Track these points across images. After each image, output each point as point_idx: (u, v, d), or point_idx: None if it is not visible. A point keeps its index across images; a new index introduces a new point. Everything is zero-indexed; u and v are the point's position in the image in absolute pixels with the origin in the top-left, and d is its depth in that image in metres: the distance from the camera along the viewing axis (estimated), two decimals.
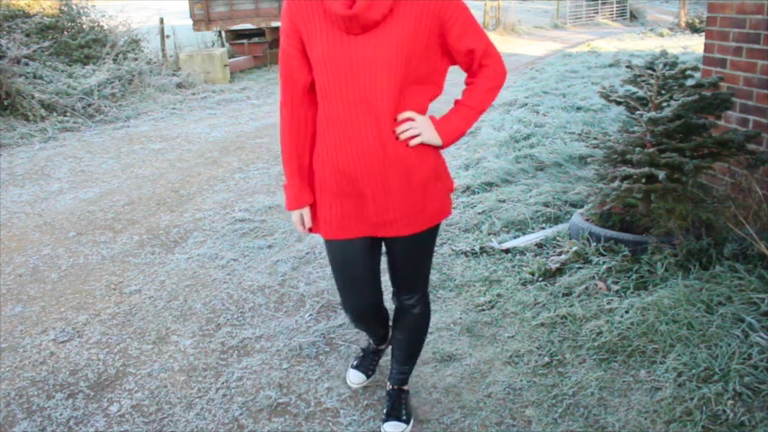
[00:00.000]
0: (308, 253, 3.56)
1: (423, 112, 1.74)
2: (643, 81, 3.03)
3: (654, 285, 2.72)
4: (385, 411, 2.13)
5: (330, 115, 1.69)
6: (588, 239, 3.12)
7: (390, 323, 2.20)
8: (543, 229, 3.64)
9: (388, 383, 2.19)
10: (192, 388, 2.39)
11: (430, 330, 2.61)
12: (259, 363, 2.53)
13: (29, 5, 8.52)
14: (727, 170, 3.21)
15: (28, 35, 8.06)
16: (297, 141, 1.79)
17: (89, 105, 7.25)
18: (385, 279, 2.07)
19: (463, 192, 4.40)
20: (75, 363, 2.57)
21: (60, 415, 2.25)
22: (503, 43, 14.89)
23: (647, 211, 3.08)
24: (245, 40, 11.39)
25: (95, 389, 2.40)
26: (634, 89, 3.12)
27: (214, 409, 2.26)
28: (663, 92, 3.00)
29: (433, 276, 3.16)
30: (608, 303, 2.68)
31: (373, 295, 1.98)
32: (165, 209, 4.35)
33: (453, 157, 5.27)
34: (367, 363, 2.38)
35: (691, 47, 12.80)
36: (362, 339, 2.61)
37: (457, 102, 1.79)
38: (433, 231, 1.88)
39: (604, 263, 2.94)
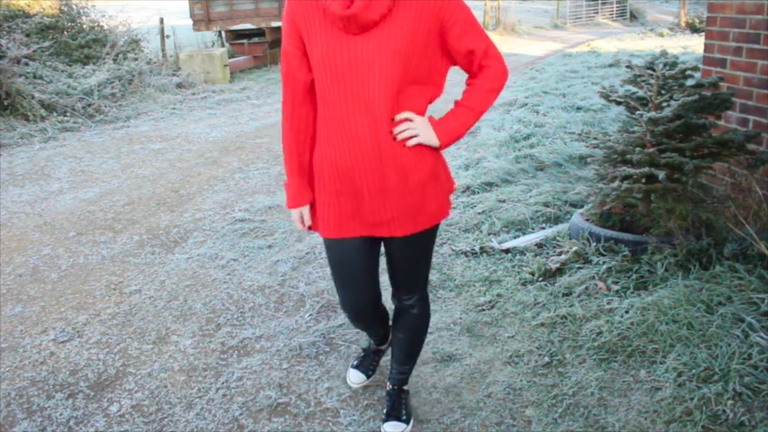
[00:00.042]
0: (308, 253, 3.56)
1: (421, 112, 1.74)
2: (643, 81, 3.03)
3: (654, 285, 2.72)
4: (385, 411, 2.13)
5: (329, 114, 1.70)
6: (588, 239, 3.12)
7: (390, 323, 2.20)
8: (543, 229, 3.64)
9: (388, 383, 2.19)
10: (192, 388, 2.39)
11: (430, 330, 2.61)
12: (259, 363, 2.53)
13: (29, 5, 8.52)
14: (727, 170, 3.21)
15: (28, 35, 8.06)
16: (297, 140, 1.80)
17: (89, 105, 7.25)
18: (385, 279, 2.07)
19: (463, 192, 4.40)
20: (75, 363, 2.57)
21: (60, 415, 2.25)
22: (503, 43, 14.89)
23: (647, 211, 3.08)
24: (245, 40, 11.39)
25: (95, 389, 2.40)
26: (634, 89, 3.12)
27: (214, 409, 2.26)
28: (663, 92, 3.00)
29: (433, 276, 3.16)
30: (608, 303, 2.68)
31: (371, 294, 1.98)
32: (165, 209, 4.35)
33: (453, 157, 5.27)
34: (367, 363, 2.38)
35: (691, 47, 12.80)
36: (363, 339, 2.61)
37: (456, 103, 1.79)
38: (431, 232, 1.87)
39: (604, 263, 2.94)
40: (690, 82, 3.01)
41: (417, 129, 1.70)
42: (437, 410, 2.22)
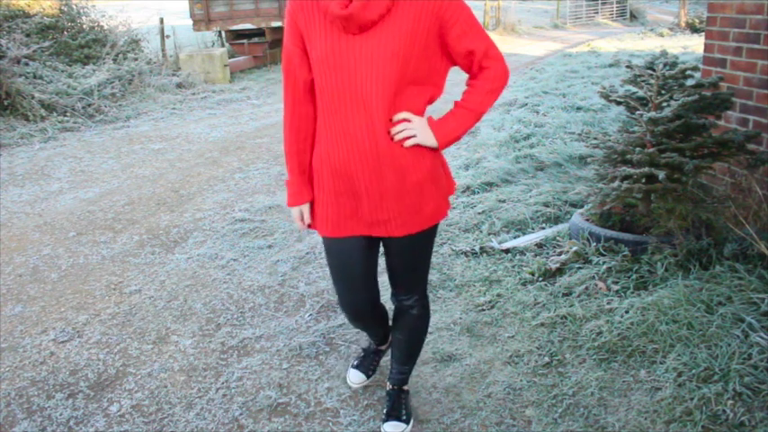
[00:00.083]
0: (308, 253, 3.56)
1: (420, 112, 1.74)
2: (643, 81, 3.03)
3: (654, 285, 2.72)
4: (385, 411, 2.13)
5: (327, 113, 1.71)
6: (588, 239, 3.12)
7: (390, 323, 2.20)
8: (543, 229, 3.64)
9: (388, 383, 2.19)
10: (192, 388, 2.39)
11: (430, 330, 2.61)
12: (259, 363, 2.53)
13: (29, 5, 8.52)
14: (727, 170, 3.21)
15: (28, 35, 8.06)
16: (297, 138, 1.81)
17: (89, 105, 7.25)
18: (384, 279, 2.07)
19: (463, 192, 4.40)
20: (75, 363, 2.57)
21: (60, 415, 2.25)
22: (503, 43, 14.89)
23: (647, 211, 3.08)
24: (245, 40, 11.39)
25: (95, 389, 2.40)
26: (634, 89, 3.12)
27: (214, 409, 2.26)
28: (663, 92, 3.00)
29: (433, 276, 3.16)
30: (608, 303, 2.68)
31: (370, 294, 1.98)
32: (165, 209, 4.35)
33: (453, 157, 5.27)
34: (367, 363, 2.38)
35: (691, 47, 12.80)
36: (363, 339, 2.61)
37: (456, 103, 1.78)
38: (429, 233, 1.87)
39: (604, 263, 2.94)
40: (690, 82, 3.01)
41: (415, 129, 1.70)
42: (437, 410, 2.22)
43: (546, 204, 3.94)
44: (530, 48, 14.89)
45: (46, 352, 2.65)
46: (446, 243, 3.58)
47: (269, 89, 9.48)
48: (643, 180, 2.92)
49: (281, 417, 2.21)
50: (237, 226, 3.98)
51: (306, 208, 1.88)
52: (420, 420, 2.17)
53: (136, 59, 8.82)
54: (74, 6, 8.99)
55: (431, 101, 1.77)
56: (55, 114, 6.89)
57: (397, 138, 1.69)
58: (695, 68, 3.09)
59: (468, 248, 3.44)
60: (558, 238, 3.42)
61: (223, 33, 11.86)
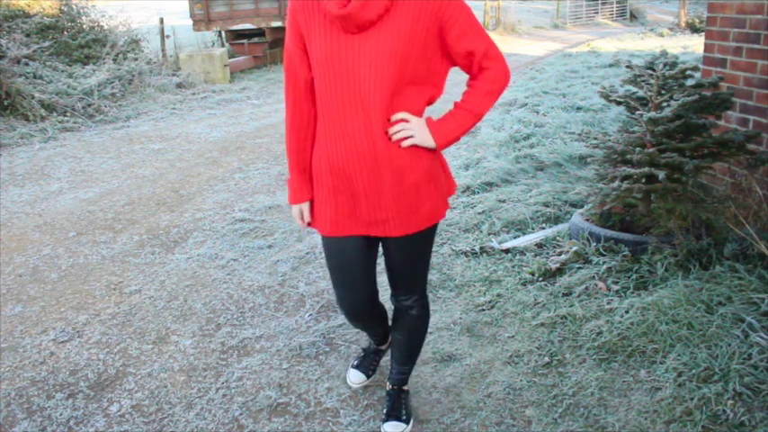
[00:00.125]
0: (307, 253, 3.56)
1: (419, 113, 1.73)
2: (643, 81, 3.03)
3: (654, 285, 2.72)
4: (385, 411, 2.13)
5: (326, 113, 1.71)
6: (588, 239, 3.12)
7: (390, 323, 2.20)
8: (543, 229, 3.64)
9: (388, 383, 2.19)
10: (192, 388, 2.39)
11: (430, 330, 2.61)
12: (259, 363, 2.53)
13: (29, 5, 8.52)
14: (727, 170, 3.21)
15: (28, 35, 8.05)
16: (298, 137, 1.82)
17: (89, 105, 7.25)
18: (384, 279, 2.07)
19: (463, 192, 4.40)
20: (75, 363, 2.57)
21: (60, 415, 2.25)
22: (503, 43, 14.89)
23: (647, 211, 3.08)
24: (245, 40, 11.39)
25: (95, 389, 2.40)
26: (634, 89, 3.12)
27: (214, 409, 2.26)
28: (663, 92, 3.00)
29: (433, 276, 3.16)
30: (608, 303, 2.68)
31: (368, 294, 1.98)
32: (165, 209, 4.35)
33: (453, 157, 5.27)
34: (367, 363, 2.38)
35: (691, 47, 12.80)
36: (363, 339, 2.61)
37: (455, 104, 1.78)
38: (427, 233, 1.87)
39: (604, 263, 2.94)
40: (690, 82, 3.01)
41: (413, 129, 1.70)
42: (437, 410, 2.22)
43: (546, 204, 3.94)
44: (530, 48, 14.89)
45: (46, 352, 2.65)
46: (446, 243, 3.58)
47: (269, 89, 9.48)
48: (643, 180, 2.92)
49: (281, 417, 2.21)
50: (237, 226, 3.98)
51: (306, 206, 1.89)
52: (420, 420, 2.17)
53: (136, 59, 8.82)
54: (74, 6, 8.99)
55: (430, 101, 1.77)
56: (55, 114, 6.89)
57: (394, 138, 1.69)
58: (695, 68, 3.09)
59: (468, 248, 3.44)
60: (558, 238, 3.42)
61: (223, 33, 11.86)
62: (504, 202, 4.10)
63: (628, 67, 3.13)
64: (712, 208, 2.91)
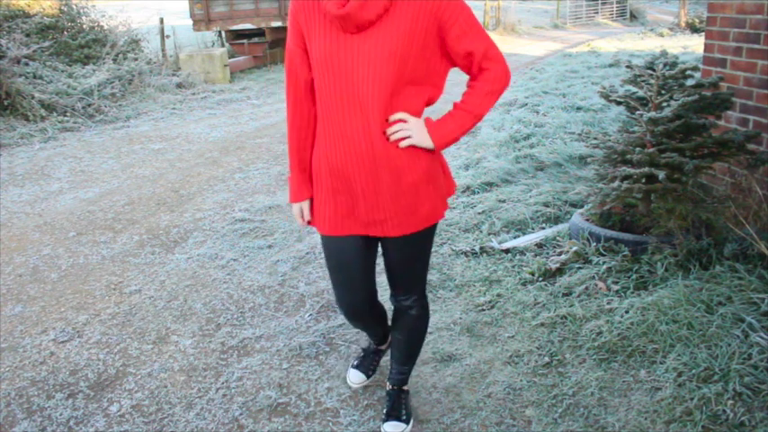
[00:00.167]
0: (307, 253, 3.56)
1: (418, 113, 1.73)
2: (643, 81, 3.03)
3: (654, 285, 2.72)
4: (385, 411, 2.13)
5: (325, 113, 1.72)
6: (588, 239, 3.12)
7: (390, 323, 2.20)
8: (543, 229, 3.64)
9: (388, 383, 2.19)
10: (192, 388, 2.39)
11: (430, 330, 2.61)
12: (259, 363, 2.53)
13: (29, 5, 8.52)
14: (727, 170, 3.21)
15: (28, 35, 8.05)
16: (298, 136, 1.83)
17: (89, 105, 7.25)
18: (383, 279, 2.07)
19: (463, 192, 4.40)
20: (75, 363, 2.57)
21: (60, 415, 2.25)
22: (503, 43, 14.89)
23: (647, 211, 3.08)
24: (245, 40, 11.39)
25: (95, 389, 2.40)
26: (634, 89, 3.12)
27: (214, 409, 2.26)
28: (663, 92, 3.00)
29: (433, 276, 3.16)
30: (608, 303, 2.68)
31: (367, 293, 1.98)
32: (165, 209, 4.35)
33: (453, 157, 5.27)
34: (367, 363, 2.38)
35: (691, 47, 12.81)
36: (363, 339, 2.61)
37: (455, 105, 1.77)
38: (426, 234, 1.87)
39: (604, 263, 2.94)
40: (690, 82, 3.01)
41: (411, 130, 1.69)
42: (437, 410, 2.22)
43: (546, 204, 3.94)
44: (530, 48, 14.89)
45: (46, 352, 2.65)
46: (446, 243, 3.58)
47: (269, 89, 9.49)
48: (643, 180, 2.92)
49: (281, 417, 2.21)
50: (237, 226, 3.98)
51: (306, 205, 1.90)
52: (420, 420, 2.17)
53: (136, 59, 8.82)
54: (74, 6, 8.99)
55: (430, 102, 1.77)
56: (55, 114, 6.89)
57: (392, 138, 1.68)
58: (695, 68, 3.09)
59: (468, 248, 3.44)
60: (558, 238, 3.42)
61: (223, 33, 11.87)
62: (504, 202, 4.10)
63: (628, 67, 3.13)
64: (712, 208, 2.91)
